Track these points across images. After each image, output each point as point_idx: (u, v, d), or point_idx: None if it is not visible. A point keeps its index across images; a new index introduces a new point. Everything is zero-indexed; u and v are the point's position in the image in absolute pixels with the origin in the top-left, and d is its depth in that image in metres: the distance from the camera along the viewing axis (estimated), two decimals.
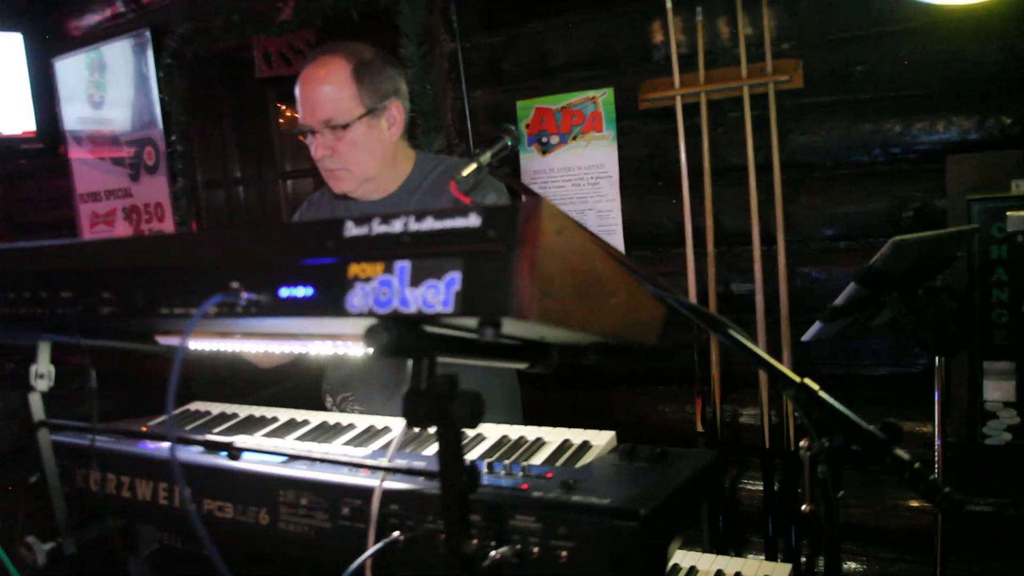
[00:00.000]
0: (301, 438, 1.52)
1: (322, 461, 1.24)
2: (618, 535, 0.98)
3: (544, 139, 2.74)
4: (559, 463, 1.26)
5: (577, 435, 1.37)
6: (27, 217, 4.67)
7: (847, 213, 2.33)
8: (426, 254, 0.85)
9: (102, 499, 1.46)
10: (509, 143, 1.66)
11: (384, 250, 0.88)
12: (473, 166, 1.55)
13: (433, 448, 1.39)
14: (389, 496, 1.13)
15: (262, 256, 0.99)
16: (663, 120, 2.51)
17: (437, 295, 0.83)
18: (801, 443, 1.02)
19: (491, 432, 1.44)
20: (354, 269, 0.90)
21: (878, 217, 2.29)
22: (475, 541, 1.04)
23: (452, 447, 0.93)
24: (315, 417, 1.61)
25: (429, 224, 0.86)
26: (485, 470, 1.19)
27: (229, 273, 1.00)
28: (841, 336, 1.97)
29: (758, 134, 2.35)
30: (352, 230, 0.91)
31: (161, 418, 1.79)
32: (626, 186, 2.62)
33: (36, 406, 1.42)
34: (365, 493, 1.14)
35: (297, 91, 1.82)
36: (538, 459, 1.29)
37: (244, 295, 0.97)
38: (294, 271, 0.95)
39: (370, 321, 0.88)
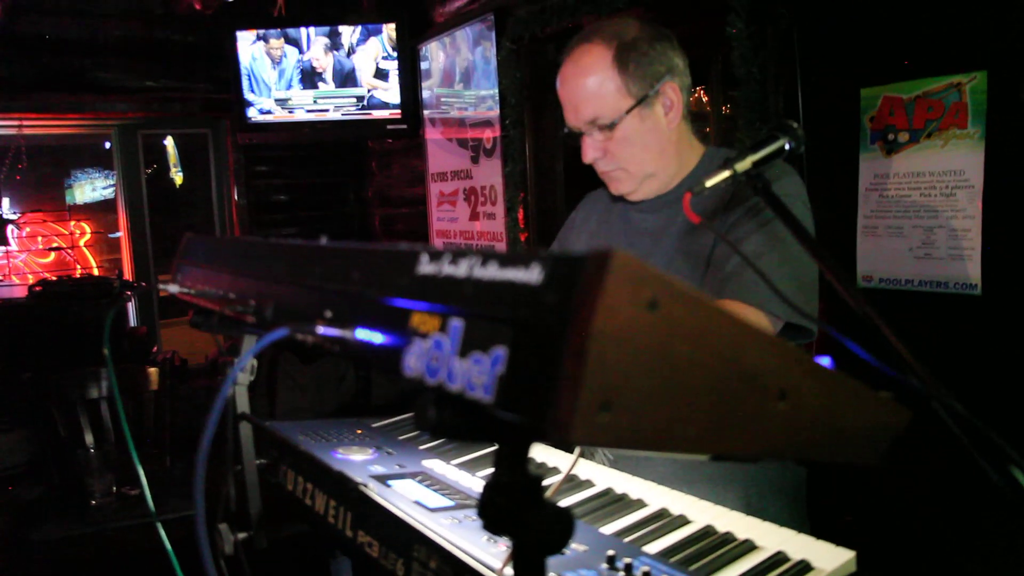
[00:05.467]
0: None
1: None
2: None
3: (891, 136, 2.23)
4: None
5: (802, 548, 1.02)
6: (392, 192, 5.08)
7: None
8: (481, 314, 0.61)
9: (293, 500, 1.42)
10: (787, 146, 1.30)
11: (446, 299, 0.65)
12: (723, 175, 1.23)
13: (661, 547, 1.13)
14: None
15: (354, 283, 0.81)
16: None
17: (481, 375, 0.59)
18: None
19: (698, 518, 1.14)
20: (416, 320, 0.68)
21: None
22: None
23: (527, 570, 0.68)
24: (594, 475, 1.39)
25: (492, 272, 0.61)
26: None
27: (327, 299, 0.85)
28: None
29: None
30: (425, 266, 0.69)
31: (385, 421, 1.73)
32: (992, 200, 2.03)
33: (241, 399, 1.42)
34: None
35: (558, 87, 1.61)
36: (727, 574, 0.96)
37: (321, 331, 0.80)
38: (373, 309, 0.76)
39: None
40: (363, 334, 0.75)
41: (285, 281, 0.96)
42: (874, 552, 1.06)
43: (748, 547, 1.04)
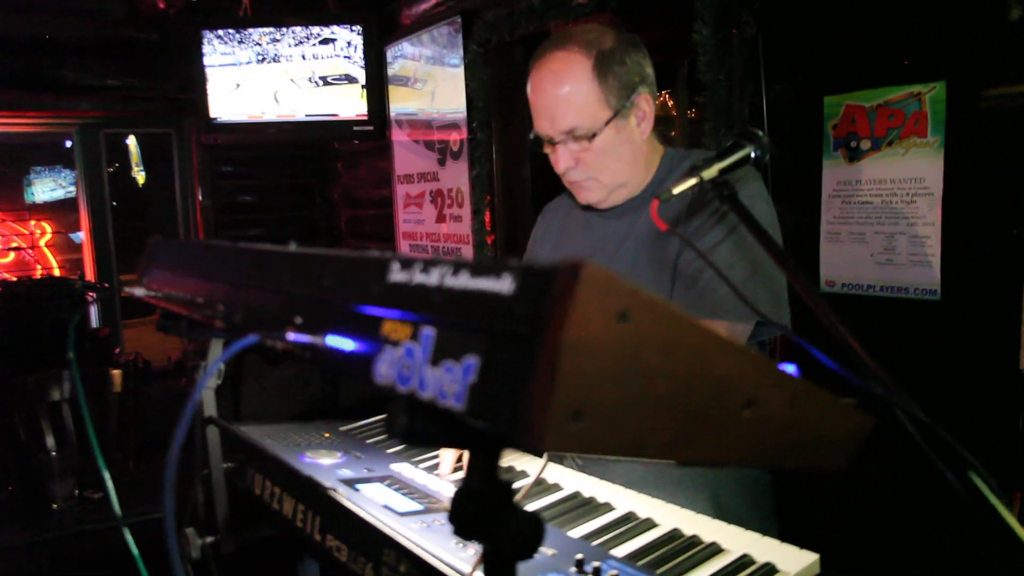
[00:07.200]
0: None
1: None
2: None
3: (853, 143, 2.27)
4: None
5: (768, 550, 1.03)
6: (358, 193, 5.06)
7: None
8: (452, 323, 0.61)
9: (261, 504, 1.41)
10: (752, 154, 1.31)
11: (418, 307, 0.66)
12: (689, 182, 1.25)
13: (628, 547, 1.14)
14: None
15: (325, 290, 0.81)
16: (1010, 123, 1.94)
17: (453, 383, 0.59)
18: None
19: (665, 521, 1.15)
20: (387, 327, 0.68)
21: None
22: None
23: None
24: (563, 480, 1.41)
25: (463, 281, 0.61)
26: None
27: (298, 305, 0.85)
28: None
29: None
30: (396, 274, 0.70)
31: (353, 424, 1.72)
32: (952, 208, 2.08)
33: (208, 402, 1.40)
34: None
35: (530, 93, 1.58)
36: None
37: (291, 337, 0.80)
38: (344, 316, 0.76)
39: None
40: (334, 341, 0.76)
41: (255, 286, 0.96)
42: (839, 554, 1.08)
43: (714, 550, 1.05)
